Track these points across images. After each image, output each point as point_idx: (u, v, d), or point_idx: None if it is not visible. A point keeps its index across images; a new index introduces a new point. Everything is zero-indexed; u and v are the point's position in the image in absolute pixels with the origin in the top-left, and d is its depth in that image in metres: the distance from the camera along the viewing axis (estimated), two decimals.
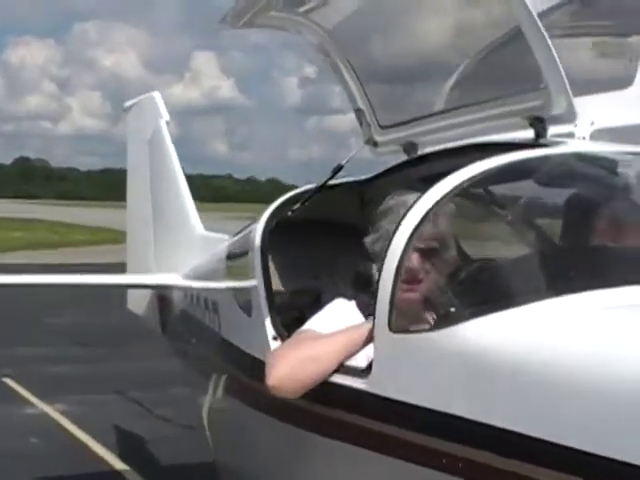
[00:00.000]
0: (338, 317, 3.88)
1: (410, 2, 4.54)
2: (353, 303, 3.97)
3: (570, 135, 4.00)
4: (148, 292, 7.98)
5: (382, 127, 4.85)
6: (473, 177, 3.55)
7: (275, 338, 4.21)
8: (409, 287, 3.56)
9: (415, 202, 3.58)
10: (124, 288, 8.62)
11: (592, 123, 4.01)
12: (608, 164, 3.73)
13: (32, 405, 11.45)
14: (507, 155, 3.68)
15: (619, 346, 2.79)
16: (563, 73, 3.73)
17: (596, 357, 2.78)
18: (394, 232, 3.54)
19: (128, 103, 9.33)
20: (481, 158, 3.69)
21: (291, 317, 4.52)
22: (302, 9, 4.55)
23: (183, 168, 8.29)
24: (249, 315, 4.59)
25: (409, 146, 4.79)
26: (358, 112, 4.90)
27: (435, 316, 3.49)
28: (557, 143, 3.90)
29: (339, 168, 4.87)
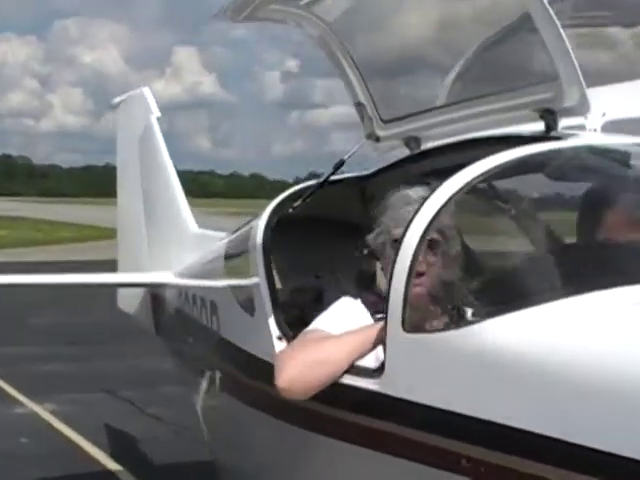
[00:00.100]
0: (345, 316, 3.82)
1: None
2: (359, 301, 3.91)
3: (581, 127, 3.92)
4: (139, 291, 7.87)
5: (384, 121, 4.76)
6: (487, 172, 3.48)
7: (280, 338, 4.14)
8: (414, 282, 3.47)
9: (425, 198, 3.51)
10: (117, 287, 8.50)
11: (603, 114, 3.93)
12: (623, 157, 3.66)
13: (21, 405, 11.33)
14: (521, 149, 3.61)
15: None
16: (576, 63, 3.63)
17: (617, 356, 2.73)
18: (405, 229, 3.45)
19: (117, 99, 9.18)
20: (489, 152, 3.62)
21: (292, 315, 4.46)
22: (303, 2, 4.45)
23: None
24: (251, 315, 4.52)
25: (412, 141, 4.70)
26: (359, 106, 4.80)
27: (444, 311, 3.43)
28: (569, 136, 3.82)
29: (341, 164, 4.79)
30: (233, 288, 4.96)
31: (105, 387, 12.04)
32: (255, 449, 4.70)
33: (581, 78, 3.66)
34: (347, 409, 3.60)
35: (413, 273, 3.36)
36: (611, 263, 3.34)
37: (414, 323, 3.35)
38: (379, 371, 3.42)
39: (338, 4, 4.55)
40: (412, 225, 3.43)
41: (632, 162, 3.65)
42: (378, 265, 4.08)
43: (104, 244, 39.22)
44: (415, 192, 3.84)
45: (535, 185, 3.73)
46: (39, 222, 60.93)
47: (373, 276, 4.10)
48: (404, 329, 3.32)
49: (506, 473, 2.89)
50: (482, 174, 3.48)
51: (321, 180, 4.75)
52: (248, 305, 4.57)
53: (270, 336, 4.17)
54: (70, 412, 10.78)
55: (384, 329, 3.44)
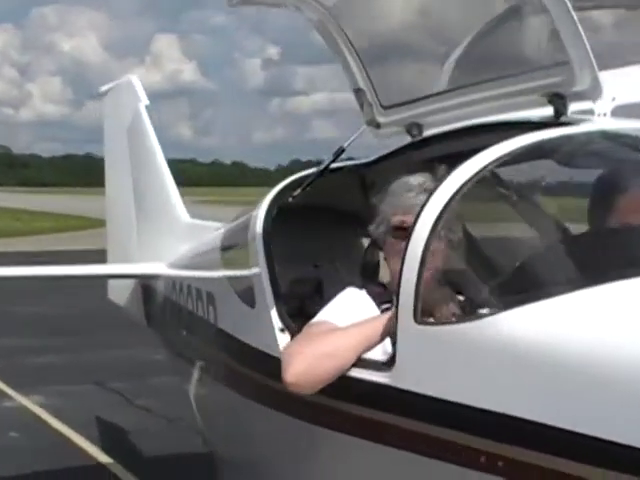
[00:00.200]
0: (351, 307, 3.75)
1: None
2: (364, 292, 3.83)
3: (590, 112, 3.82)
4: (130, 282, 7.77)
5: (384, 107, 4.65)
6: (499, 158, 3.39)
7: (282, 330, 4.06)
8: None
9: (436, 186, 3.42)
10: (108, 278, 8.39)
11: (613, 99, 3.84)
12: (636, 142, 3.57)
13: (9, 398, 11.19)
14: (533, 134, 3.52)
15: None
16: (588, 46, 3.51)
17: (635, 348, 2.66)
18: (416, 218, 3.37)
19: (104, 88, 9.06)
20: (497, 139, 3.53)
21: (292, 306, 4.38)
22: None
23: None
24: (252, 306, 4.42)
25: (414, 127, 4.60)
26: (358, 92, 4.69)
27: (454, 301, 3.37)
28: (580, 121, 3.73)
29: (341, 151, 4.70)
30: (232, 279, 4.86)
31: (94, 379, 11.92)
32: (256, 442, 4.62)
33: (593, 61, 3.55)
34: (355, 402, 3.52)
35: (425, 264, 3.27)
36: (626, 251, 3.26)
37: (427, 315, 3.27)
38: (389, 364, 3.34)
39: None
40: (423, 214, 3.35)
41: None
42: (381, 255, 3.99)
43: (85, 234, 39.15)
44: (416, 179, 3.77)
45: (549, 172, 3.64)
46: (18, 212, 60.46)
47: (377, 266, 4.01)
48: (416, 321, 3.24)
49: (524, 467, 2.83)
50: (494, 161, 3.39)
51: (321, 168, 4.65)
52: (248, 296, 4.48)
53: (272, 328, 4.09)
54: (59, 405, 10.68)
55: (394, 321, 3.36)
